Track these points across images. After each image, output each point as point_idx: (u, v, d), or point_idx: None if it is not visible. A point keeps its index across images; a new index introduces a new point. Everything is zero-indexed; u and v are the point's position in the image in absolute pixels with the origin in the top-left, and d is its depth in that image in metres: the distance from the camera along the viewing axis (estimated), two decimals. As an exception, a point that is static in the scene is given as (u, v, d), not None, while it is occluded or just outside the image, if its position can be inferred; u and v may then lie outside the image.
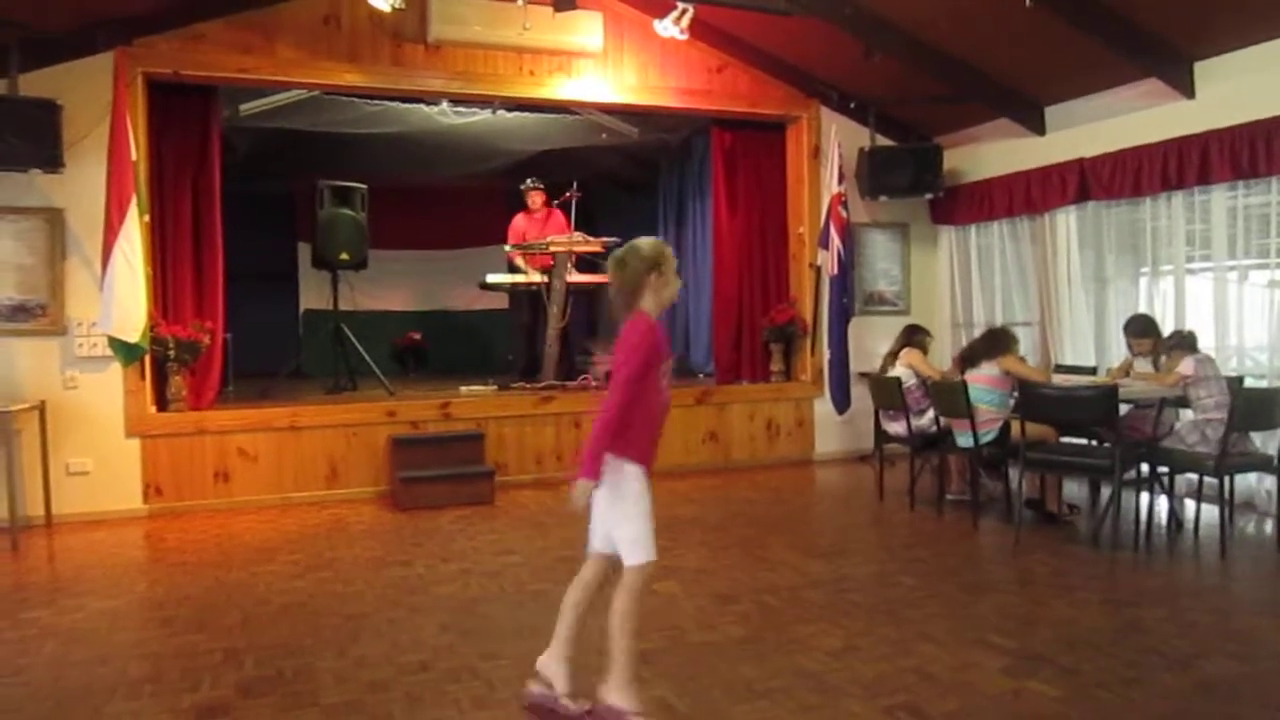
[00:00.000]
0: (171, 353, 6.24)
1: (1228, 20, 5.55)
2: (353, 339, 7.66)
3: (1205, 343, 5.71)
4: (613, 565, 3.05)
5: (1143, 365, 5.67)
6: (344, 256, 7.81)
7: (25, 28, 5.59)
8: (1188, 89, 6.05)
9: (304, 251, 9.87)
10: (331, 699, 3.20)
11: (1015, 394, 5.35)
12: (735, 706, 3.08)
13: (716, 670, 3.38)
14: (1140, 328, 5.72)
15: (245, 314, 8.09)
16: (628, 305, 3.05)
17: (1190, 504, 5.64)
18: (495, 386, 7.55)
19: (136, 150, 5.93)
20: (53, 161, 5.71)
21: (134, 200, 5.78)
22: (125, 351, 5.87)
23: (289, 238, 10.83)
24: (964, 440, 5.51)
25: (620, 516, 2.99)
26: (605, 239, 7.86)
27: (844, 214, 7.54)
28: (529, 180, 8.43)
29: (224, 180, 6.79)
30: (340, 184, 7.97)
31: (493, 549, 5.18)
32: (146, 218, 6.08)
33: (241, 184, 7.84)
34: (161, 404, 6.37)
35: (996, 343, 5.65)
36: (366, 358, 7.66)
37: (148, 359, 6.17)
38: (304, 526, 5.82)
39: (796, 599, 4.20)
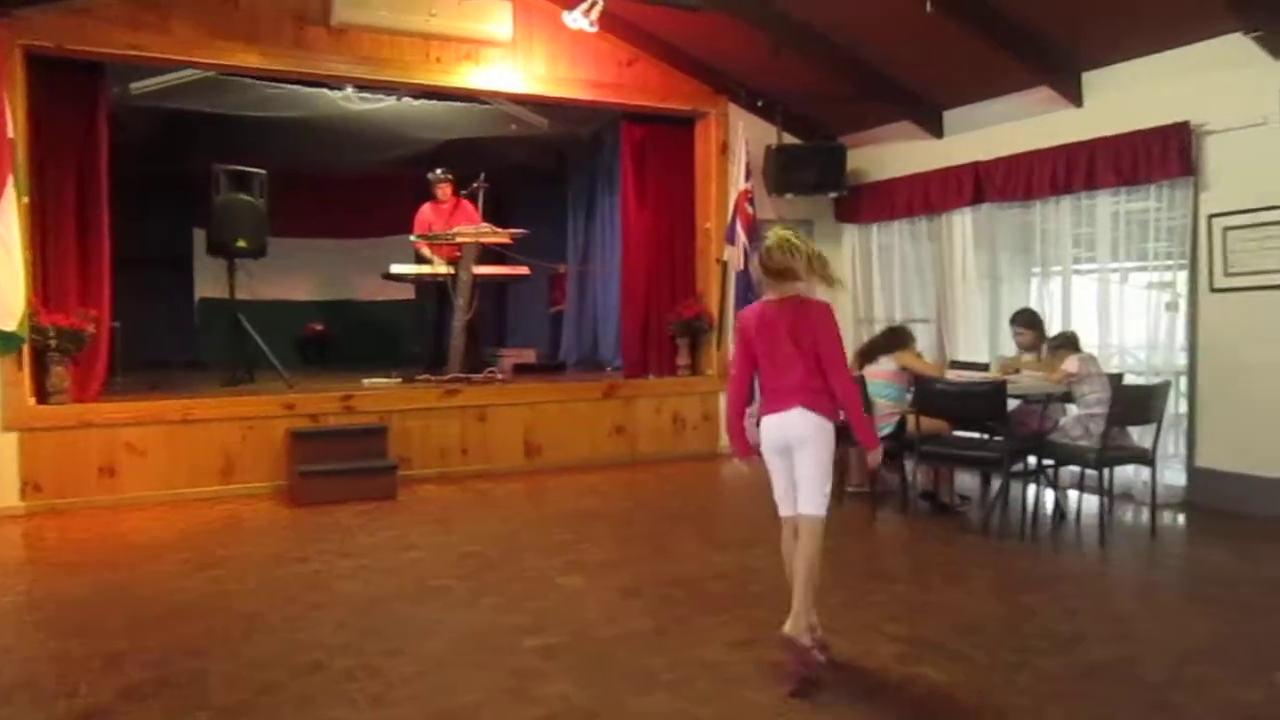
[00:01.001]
0: (53, 342, 5.94)
1: (1113, 34, 5.82)
2: (250, 329, 7.41)
3: (1089, 340, 6.00)
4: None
5: (1025, 357, 5.91)
6: (241, 243, 7.54)
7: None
8: (1076, 98, 6.32)
9: (200, 238, 9.51)
10: (221, 701, 3.09)
11: (912, 389, 5.51)
12: (637, 699, 3.09)
13: (619, 663, 3.39)
14: (1026, 320, 5.98)
15: (137, 302, 7.74)
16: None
17: (1074, 495, 5.90)
18: (399, 379, 7.41)
19: (15, 128, 5.62)
20: (-79, 138, 5.38)
21: (11, 181, 5.49)
22: (2, 341, 5.56)
23: (184, 223, 10.40)
24: (863, 434, 5.64)
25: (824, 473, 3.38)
26: (513, 231, 7.80)
27: (750, 210, 7.64)
28: (437, 170, 8.30)
29: (114, 162, 6.49)
30: (238, 168, 7.68)
31: (394, 545, 5.09)
32: (26, 199, 5.77)
33: (134, 166, 7.50)
34: (42, 396, 6.06)
35: (894, 339, 5.81)
36: (265, 348, 7.42)
37: (27, 348, 5.85)
38: (196, 524, 5.62)
39: (701, 591, 4.24)
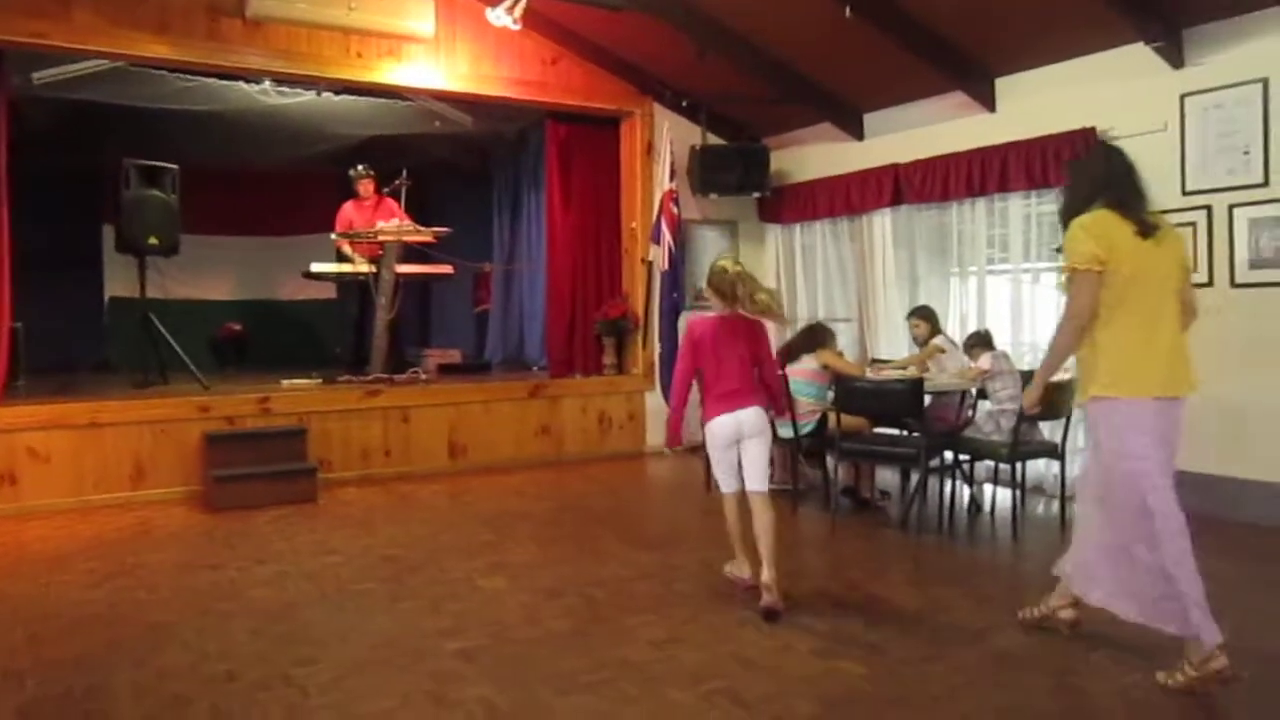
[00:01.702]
0: (-52, 344, 5.67)
1: (1024, 41, 6.00)
2: (162, 329, 7.17)
3: (1003, 338, 6.19)
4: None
5: (912, 349, 6.16)
6: (153, 241, 7.28)
7: None
8: (990, 103, 6.50)
9: (109, 235, 9.18)
10: (128, 715, 3.00)
11: (833, 387, 5.60)
12: (557, 700, 3.08)
13: (540, 665, 3.37)
14: (922, 312, 6.21)
15: (41, 302, 7.46)
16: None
17: (989, 489, 6.07)
18: (320, 380, 7.26)
19: (-95, 119, 5.35)
20: None
21: (-98, 174, 5.22)
22: (-109, 342, 5.30)
23: (93, 220, 10.02)
24: (784, 431, 5.71)
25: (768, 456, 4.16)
26: (437, 229, 7.70)
27: (675, 210, 7.68)
28: (359, 167, 8.16)
29: (16, 155, 6.23)
30: (148, 163, 7.42)
31: (313, 549, 4.99)
32: (-82, 194, 5.50)
33: (37, 160, 7.19)
34: (-64, 400, 5.79)
35: (815, 337, 5.90)
36: (178, 349, 7.19)
37: (-81, 350, 5.59)
38: (104, 531, 5.42)
39: (624, 591, 4.25)
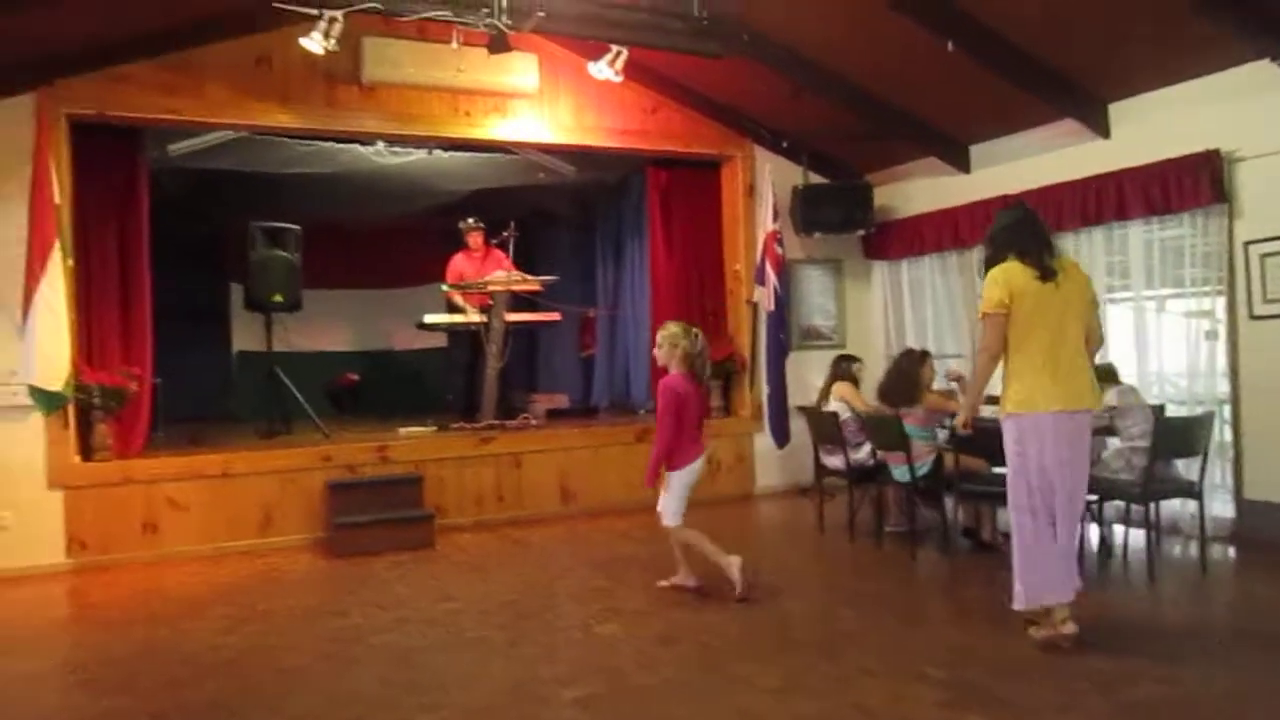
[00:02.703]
0: (96, 400, 6.06)
1: (1138, 65, 5.81)
2: (287, 381, 7.52)
3: (1127, 370, 5.92)
4: None
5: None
6: (277, 298, 7.69)
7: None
8: (1103, 129, 6.30)
9: (236, 293, 9.70)
10: (263, 759, 3.11)
11: (944, 426, 5.45)
12: (677, 751, 3.06)
13: (657, 713, 3.36)
14: None
15: (176, 357, 7.90)
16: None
17: (1119, 530, 5.78)
18: (434, 427, 7.46)
19: (60, 193, 5.79)
20: (-30, 207, 5.56)
21: (57, 244, 5.65)
22: (46, 400, 5.69)
23: (221, 279, 10.64)
24: (899, 473, 5.59)
25: None
26: (543, 277, 7.87)
27: (779, 251, 7.66)
28: (469, 220, 8.40)
29: (153, 222, 6.66)
30: (273, 225, 7.86)
31: (432, 595, 5.09)
32: (71, 262, 5.93)
33: (171, 226, 7.69)
34: (86, 453, 6.18)
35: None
36: (301, 400, 7.53)
37: (71, 407, 5.98)
38: (237, 577, 5.67)
39: (738, 638, 4.20)
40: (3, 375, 5.82)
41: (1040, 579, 3.93)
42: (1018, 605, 3.99)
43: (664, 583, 5.03)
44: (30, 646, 4.47)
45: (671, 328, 4.92)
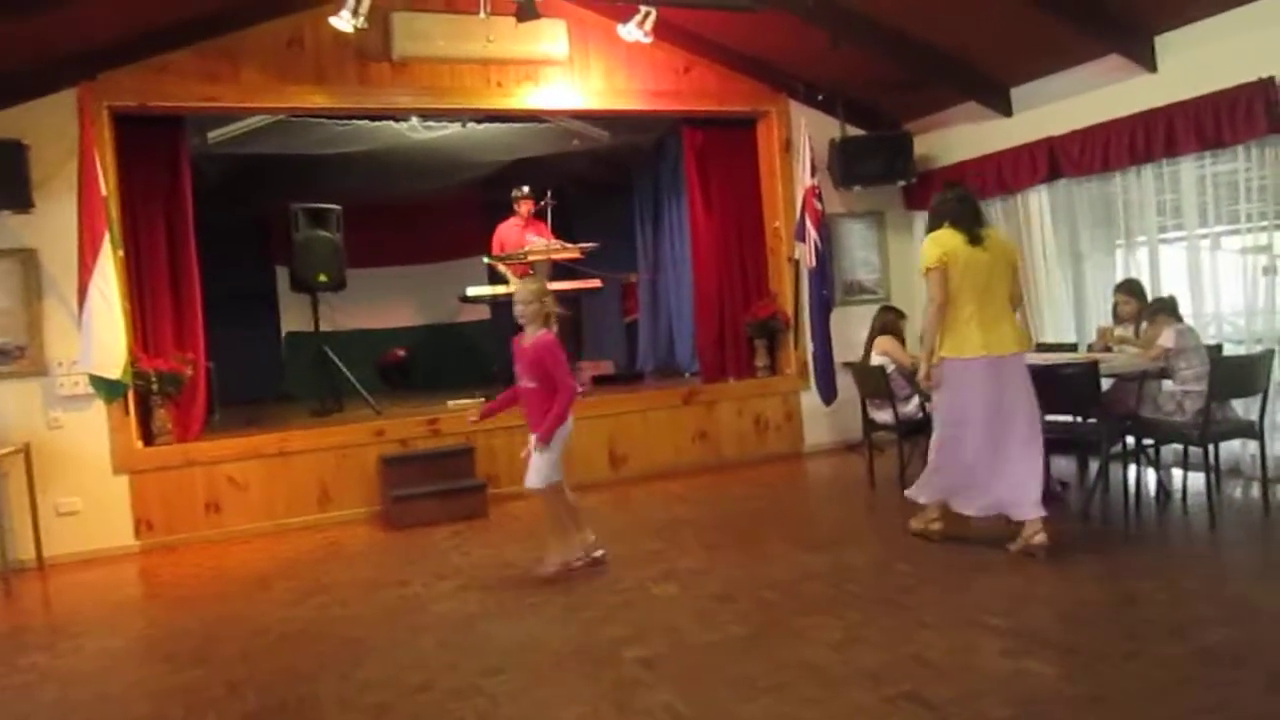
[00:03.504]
0: (155, 386, 6.21)
1: (1185, -8, 5.61)
2: (336, 360, 7.63)
3: (1182, 310, 5.77)
4: None
5: (1121, 330, 5.72)
6: (322, 278, 7.78)
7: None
8: (1150, 63, 6.10)
9: (282, 275, 9.83)
10: (337, 725, 3.20)
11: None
12: (741, 706, 3.09)
13: (720, 670, 3.39)
14: (1130, 288, 5.81)
15: (226, 341, 8.04)
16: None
17: (1177, 474, 5.69)
18: (483, 399, 7.51)
19: (107, 185, 5.89)
20: (22, 202, 5.68)
21: (107, 235, 5.76)
22: (107, 388, 5.84)
23: (266, 262, 10.78)
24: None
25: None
26: (583, 245, 7.87)
27: (819, 206, 7.57)
28: (524, 189, 8.37)
29: (197, 208, 6.76)
30: (314, 206, 7.93)
31: (489, 563, 5.18)
32: (121, 252, 6.04)
33: (215, 211, 7.79)
34: (148, 438, 6.34)
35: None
36: (351, 378, 7.64)
37: (131, 394, 6.13)
38: (299, 552, 5.81)
39: (795, 593, 4.22)
40: (65, 366, 5.99)
41: (943, 483, 4.79)
42: (920, 496, 4.88)
43: (547, 569, 4.78)
44: (107, 624, 4.64)
45: (533, 285, 4.80)
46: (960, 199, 4.71)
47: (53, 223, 5.88)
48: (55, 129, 5.91)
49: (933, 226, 4.78)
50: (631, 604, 4.25)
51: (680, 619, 3.98)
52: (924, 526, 4.89)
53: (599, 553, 4.89)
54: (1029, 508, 4.48)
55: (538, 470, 4.64)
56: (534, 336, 4.67)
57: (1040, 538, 4.42)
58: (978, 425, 4.57)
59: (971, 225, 4.59)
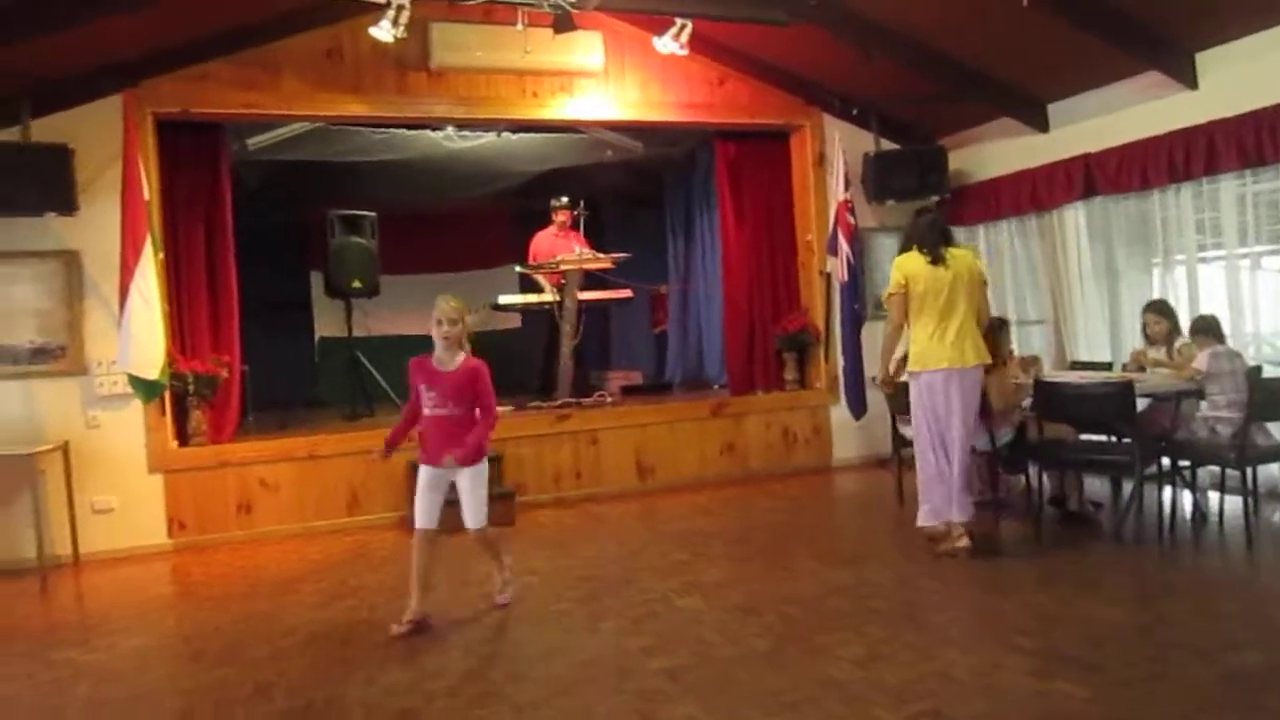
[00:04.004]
0: (191, 388, 6.31)
1: (1226, 10, 5.55)
2: (368, 365, 7.72)
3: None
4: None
5: (1155, 352, 5.64)
6: (356, 284, 7.88)
7: (34, 77, 5.67)
8: (1190, 80, 6.04)
9: (316, 280, 9.95)
10: (362, 727, 3.23)
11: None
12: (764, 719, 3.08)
13: (743, 684, 3.38)
14: (1160, 308, 5.72)
15: (261, 345, 8.15)
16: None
17: (1214, 496, 5.60)
18: (511, 407, 7.57)
19: (149, 189, 6.01)
20: (67, 205, 5.81)
21: (148, 238, 5.86)
22: (145, 389, 5.94)
23: (301, 267, 10.91)
24: (981, 442, 5.49)
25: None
26: (615, 255, 7.91)
27: (851, 220, 7.55)
28: (563, 199, 8.43)
29: (235, 213, 6.87)
30: (350, 212, 8.04)
31: (515, 570, 5.17)
32: (161, 255, 6.15)
33: (252, 217, 7.92)
34: (183, 439, 6.44)
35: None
36: (383, 383, 7.72)
37: (167, 395, 6.24)
38: (327, 555, 5.86)
39: (819, 608, 4.20)
40: (104, 366, 6.11)
41: (942, 502, 4.90)
42: (922, 522, 4.99)
43: (503, 598, 4.57)
44: (140, 622, 4.71)
45: (456, 302, 4.32)
46: (929, 224, 5.02)
47: (95, 225, 6.01)
48: (100, 134, 6.04)
49: (903, 249, 5.10)
50: (656, 615, 4.24)
51: (704, 631, 3.97)
52: (950, 547, 4.88)
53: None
54: (958, 511, 4.86)
55: (478, 510, 4.32)
56: (459, 360, 4.29)
57: (964, 541, 4.82)
58: (938, 434, 4.90)
59: (935, 246, 4.89)
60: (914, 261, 4.93)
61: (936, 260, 4.86)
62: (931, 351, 4.83)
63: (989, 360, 4.94)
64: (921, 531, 5.03)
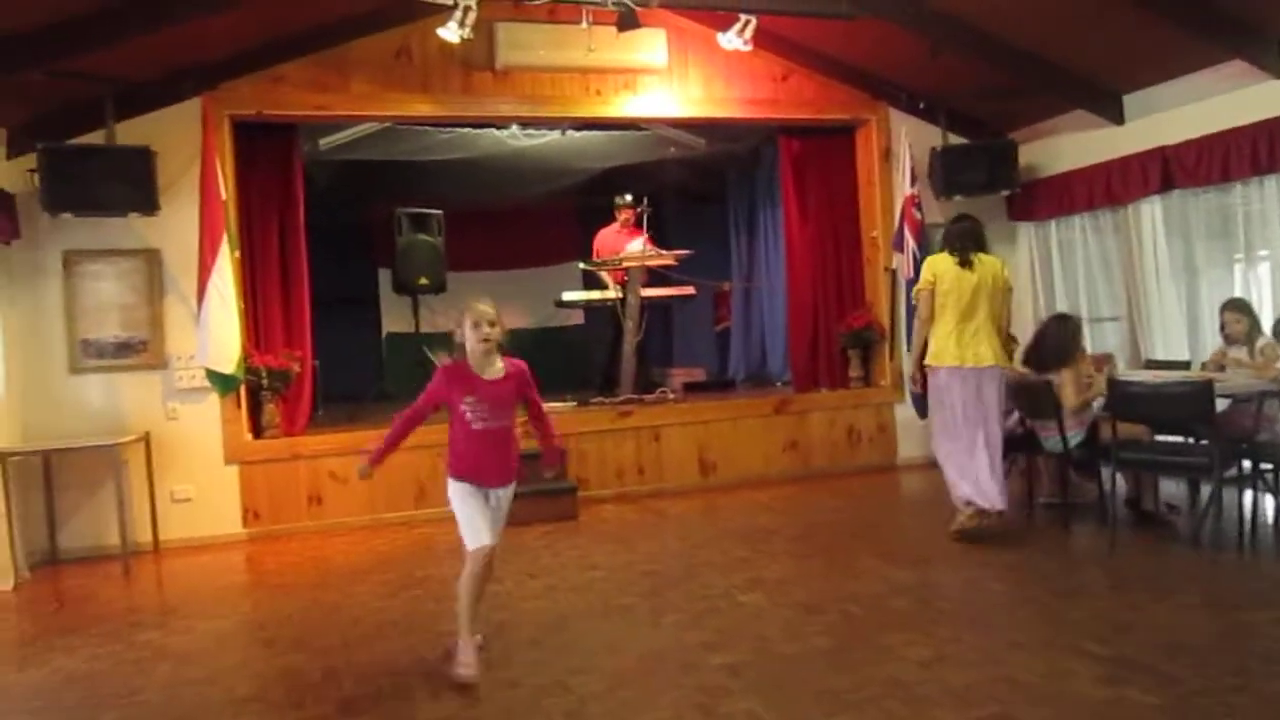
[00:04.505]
0: (265, 382, 6.49)
1: (1315, -5, 5.34)
2: (436, 361, 7.81)
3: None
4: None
5: (1236, 351, 5.45)
6: (423, 281, 8.03)
7: (118, 81, 5.88)
8: (1277, 69, 5.82)
9: (384, 277, 10.14)
10: (428, 715, 3.29)
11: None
12: (825, 718, 3.06)
13: (805, 682, 3.37)
14: (1241, 305, 5.53)
15: (330, 340, 8.35)
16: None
17: (1298, 501, 5.40)
18: (574, 403, 7.64)
19: (226, 189, 6.20)
20: (149, 205, 6.01)
21: (225, 237, 6.06)
22: (222, 382, 6.13)
23: (369, 264, 11.13)
24: (1051, 444, 5.38)
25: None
26: (677, 252, 7.91)
27: (918, 215, 7.44)
28: (627, 196, 8.48)
29: (307, 212, 7.05)
30: (417, 210, 8.20)
31: (578, 564, 5.25)
32: (237, 253, 6.34)
33: (323, 215, 8.11)
34: (257, 431, 6.63)
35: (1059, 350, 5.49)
36: (448, 379, 7.82)
37: (243, 388, 6.42)
38: (394, 546, 5.99)
39: (883, 608, 4.16)
40: (183, 360, 6.32)
41: (972, 489, 5.13)
42: (959, 503, 5.22)
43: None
44: (215, 607, 4.87)
45: (491, 304, 3.92)
46: (962, 230, 5.31)
47: (175, 225, 6.22)
48: (180, 136, 6.25)
49: (933, 251, 5.52)
50: (718, 610, 4.25)
51: (766, 628, 3.97)
52: (969, 524, 5.14)
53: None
54: (991, 500, 5.11)
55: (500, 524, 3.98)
56: (499, 365, 3.98)
57: (973, 521, 5.10)
58: (959, 427, 5.15)
59: (964, 250, 5.19)
60: (943, 262, 5.23)
61: (964, 263, 5.16)
62: (946, 349, 5.14)
63: (1008, 364, 5.24)
64: (1006, 525, 5.26)
